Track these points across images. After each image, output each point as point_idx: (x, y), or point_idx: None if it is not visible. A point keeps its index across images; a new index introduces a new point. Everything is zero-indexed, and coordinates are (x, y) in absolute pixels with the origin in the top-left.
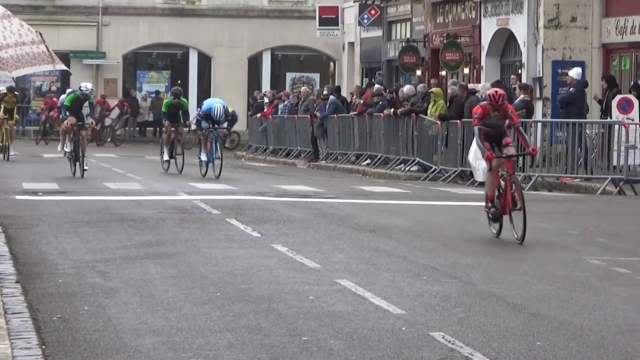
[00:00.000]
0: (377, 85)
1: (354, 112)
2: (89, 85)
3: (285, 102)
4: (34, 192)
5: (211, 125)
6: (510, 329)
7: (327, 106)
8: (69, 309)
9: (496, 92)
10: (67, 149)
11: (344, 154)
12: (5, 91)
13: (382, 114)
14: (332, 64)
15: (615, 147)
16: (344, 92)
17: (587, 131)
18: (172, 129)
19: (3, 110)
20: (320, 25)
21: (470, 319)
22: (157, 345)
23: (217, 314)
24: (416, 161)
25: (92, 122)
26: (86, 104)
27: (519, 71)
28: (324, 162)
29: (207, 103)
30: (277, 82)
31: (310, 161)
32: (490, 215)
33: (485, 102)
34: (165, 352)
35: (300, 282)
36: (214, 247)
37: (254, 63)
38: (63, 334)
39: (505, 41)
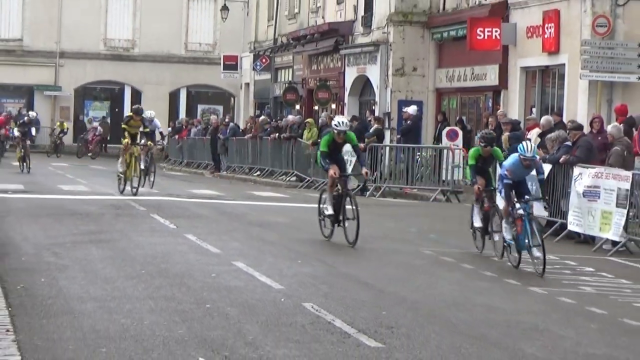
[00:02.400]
0: (262, 117)
1: (248, 135)
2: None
3: (197, 127)
4: (5, 191)
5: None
6: (362, 302)
7: (228, 130)
8: (29, 281)
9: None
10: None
11: (240, 167)
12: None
13: (269, 138)
14: (232, 98)
15: (444, 166)
16: (240, 121)
17: (420, 153)
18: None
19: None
20: (224, 69)
21: (333, 293)
22: (96, 309)
23: (142, 286)
24: (294, 173)
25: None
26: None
27: (373, 107)
28: (225, 172)
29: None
30: (190, 112)
31: (214, 172)
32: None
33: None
34: (102, 314)
35: (205, 263)
36: (141, 235)
37: (174, 97)
38: (25, 300)
39: (363, 84)
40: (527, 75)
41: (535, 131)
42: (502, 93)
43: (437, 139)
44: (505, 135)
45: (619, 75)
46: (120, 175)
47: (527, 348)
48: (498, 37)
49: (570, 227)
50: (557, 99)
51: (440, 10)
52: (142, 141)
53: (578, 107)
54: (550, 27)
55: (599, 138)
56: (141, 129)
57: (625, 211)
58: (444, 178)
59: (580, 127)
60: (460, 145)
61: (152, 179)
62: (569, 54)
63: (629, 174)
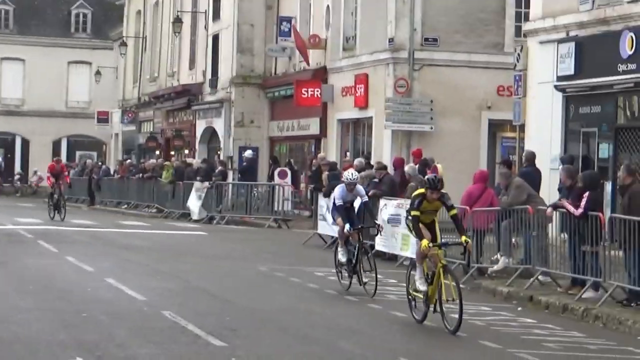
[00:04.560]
0: (128, 160)
1: (117, 176)
2: None
3: (75, 169)
4: None
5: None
6: (211, 309)
7: (101, 171)
8: None
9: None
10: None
11: (110, 201)
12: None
13: (134, 177)
14: (104, 146)
15: (276, 199)
16: (111, 164)
17: (256, 189)
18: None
19: None
20: (97, 122)
21: (187, 303)
22: None
23: (30, 299)
24: (155, 206)
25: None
26: None
27: (219, 152)
28: (98, 206)
29: None
30: (70, 157)
31: (90, 206)
32: None
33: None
34: None
35: (82, 279)
36: (30, 258)
37: (57, 145)
38: None
39: (211, 134)
40: (343, 126)
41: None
42: (323, 140)
43: (270, 177)
44: (325, 174)
45: (415, 125)
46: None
47: (344, 345)
48: (319, 95)
49: (378, 247)
50: (367, 145)
51: (272, 74)
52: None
53: (383, 151)
54: (360, 88)
55: (399, 176)
56: None
57: None
58: (276, 209)
59: (384, 167)
60: (289, 183)
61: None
62: (376, 109)
63: None
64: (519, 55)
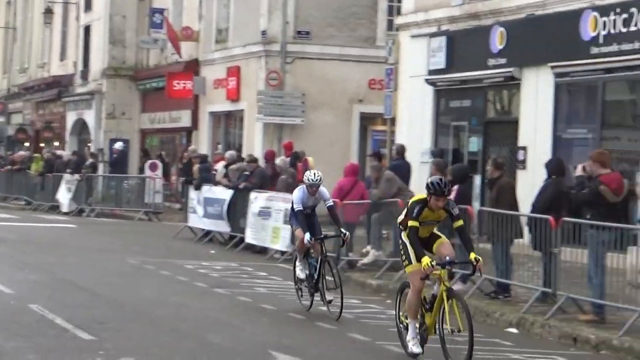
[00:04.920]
0: None
1: None
2: None
3: None
4: None
5: None
6: (79, 302)
7: None
8: None
9: None
10: None
11: None
12: None
13: (2, 169)
14: None
15: (147, 191)
16: None
17: (127, 181)
18: None
19: None
20: None
21: (54, 296)
22: None
23: None
24: (24, 198)
25: None
26: None
27: (89, 144)
28: None
29: None
30: None
31: None
32: None
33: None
34: None
35: None
36: None
37: None
38: None
39: (82, 125)
40: (214, 118)
41: (221, 163)
42: (194, 133)
43: (141, 170)
44: (196, 167)
45: (287, 118)
46: None
47: (213, 338)
48: (190, 87)
49: (248, 240)
50: (238, 137)
51: (144, 66)
52: None
53: (255, 144)
54: (232, 80)
55: (270, 168)
56: None
57: (291, 227)
58: (146, 201)
59: (255, 160)
60: (160, 175)
61: None
62: (248, 102)
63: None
64: (390, 49)
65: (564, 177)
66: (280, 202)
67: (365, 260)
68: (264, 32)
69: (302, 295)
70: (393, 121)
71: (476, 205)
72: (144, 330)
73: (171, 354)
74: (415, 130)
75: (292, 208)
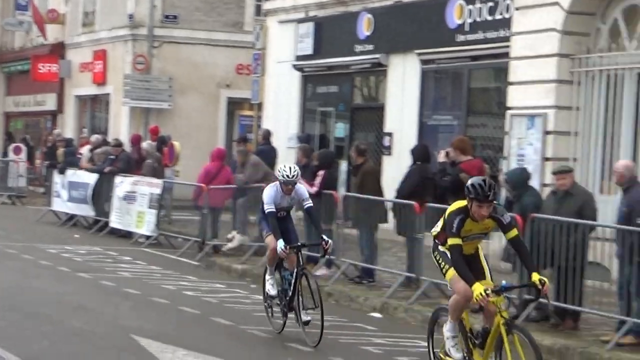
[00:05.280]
0: None
1: None
2: None
3: None
4: None
5: None
6: None
7: None
8: None
9: None
10: None
11: None
12: None
13: None
14: None
15: (10, 175)
16: None
17: None
18: None
19: None
20: None
21: None
22: None
23: None
24: None
25: None
26: None
27: None
28: None
29: None
30: None
31: None
32: None
33: None
34: None
35: None
36: None
37: None
38: None
39: None
40: (80, 102)
41: (87, 147)
42: (59, 116)
43: (4, 153)
44: (60, 150)
45: (153, 102)
46: None
47: (76, 323)
48: (56, 71)
49: (112, 224)
50: (104, 121)
51: (9, 48)
52: None
53: (121, 128)
54: (99, 64)
55: (136, 153)
56: None
57: (156, 212)
58: (10, 185)
59: (121, 144)
60: (24, 159)
61: None
62: (114, 86)
63: (160, 181)
64: (258, 34)
65: (429, 164)
66: (146, 187)
67: (231, 245)
68: (131, 16)
69: (272, 315)
70: (260, 106)
71: (342, 191)
72: (3, 315)
73: (31, 338)
74: (282, 115)
75: (262, 209)
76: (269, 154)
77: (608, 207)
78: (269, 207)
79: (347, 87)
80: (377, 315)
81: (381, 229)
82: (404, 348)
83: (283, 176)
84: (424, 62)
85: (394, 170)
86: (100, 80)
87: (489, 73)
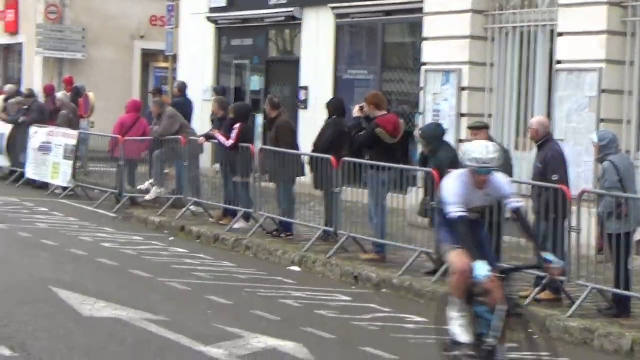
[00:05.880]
0: None
1: None
2: None
3: None
4: None
5: None
6: None
7: None
8: None
9: None
10: None
11: None
12: None
13: None
14: None
15: None
16: None
17: None
18: None
19: None
20: None
21: None
22: None
23: None
24: None
25: None
26: None
27: None
28: None
29: None
30: None
31: None
32: None
33: None
34: None
35: None
36: None
37: None
38: None
39: None
40: None
41: (1, 98)
42: None
43: None
44: None
45: (67, 53)
46: None
47: None
48: None
49: (28, 175)
50: (18, 72)
51: None
52: None
53: (34, 78)
54: (10, 13)
55: (51, 103)
56: None
57: (72, 163)
58: None
59: (34, 95)
60: None
61: None
62: (27, 35)
63: (76, 132)
64: None
65: (345, 118)
66: (61, 138)
67: (147, 197)
68: None
69: None
70: (175, 58)
71: (258, 145)
72: None
73: None
74: (197, 68)
75: (441, 211)
76: (185, 107)
77: (524, 164)
78: (456, 209)
79: (261, 40)
80: (295, 269)
81: (299, 183)
82: (324, 302)
83: (474, 160)
84: (338, 16)
85: (310, 124)
86: (13, 29)
87: (403, 28)
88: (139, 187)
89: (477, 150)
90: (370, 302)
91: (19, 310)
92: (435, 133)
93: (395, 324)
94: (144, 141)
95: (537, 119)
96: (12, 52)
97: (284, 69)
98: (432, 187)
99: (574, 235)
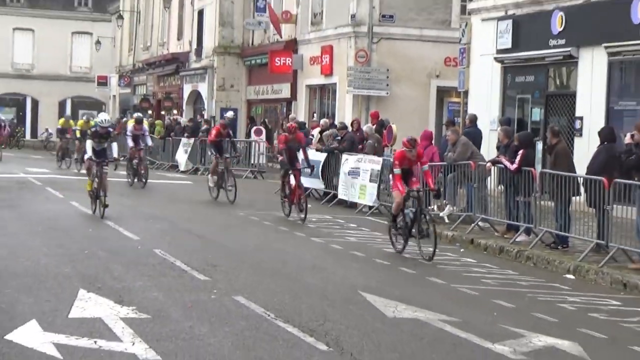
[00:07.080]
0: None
1: (115, 132)
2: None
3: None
4: None
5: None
6: (195, 248)
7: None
8: None
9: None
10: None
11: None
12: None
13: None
14: (103, 106)
15: (253, 153)
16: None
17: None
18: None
19: None
20: (97, 85)
21: (175, 242)
22: (7, 255)
23: (39, 238)
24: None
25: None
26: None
27: (203, 112)
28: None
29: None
30: (74, 116)
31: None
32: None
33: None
34: (10, 257)
35: (84, 221)
36: (38, 202)
37: (62, 105)
38: None
39: (196, 96)
40: (310, 91)
41: (317, 130)
42: (293, 103)
43: (248, 134)
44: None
45: (373, 91)
46: None
47: (310, 280)
48: (290, 64)
49: (340, 196)
50: (331, 108)
51: (249, 45)
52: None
53: (345, 113)
54: (326, 57)
55: (358, 134)
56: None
57: (377, 185)
58: (252, 162)
59: (345, 127)
60: (264, 140)
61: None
62: (339, 76)
63: (380, 159)
64: (463, 30)
65: (615, 144)
66: (368, 163)
67: (442, 214)
68: (353, 16)
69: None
70: (466, 94)
71: (538, 168)
72: (250, 272)
73: (274, 292)
74: (484, 101)
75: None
76: (475, 136)
77: None
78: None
79: (542, 76)
80: (570, 276)
81: (574, 201)
82: (597, 305)
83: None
84: (610, 54)
85: (584, 150)
86: (327, 72)
87: None
88: (434, 206)
89: None
90: (638, 307)
91: (333, 310)
92: None
93: None
94: (436, 166)
95: None
96: (327, 91)
97: (562, 102)
98: None
99: None
